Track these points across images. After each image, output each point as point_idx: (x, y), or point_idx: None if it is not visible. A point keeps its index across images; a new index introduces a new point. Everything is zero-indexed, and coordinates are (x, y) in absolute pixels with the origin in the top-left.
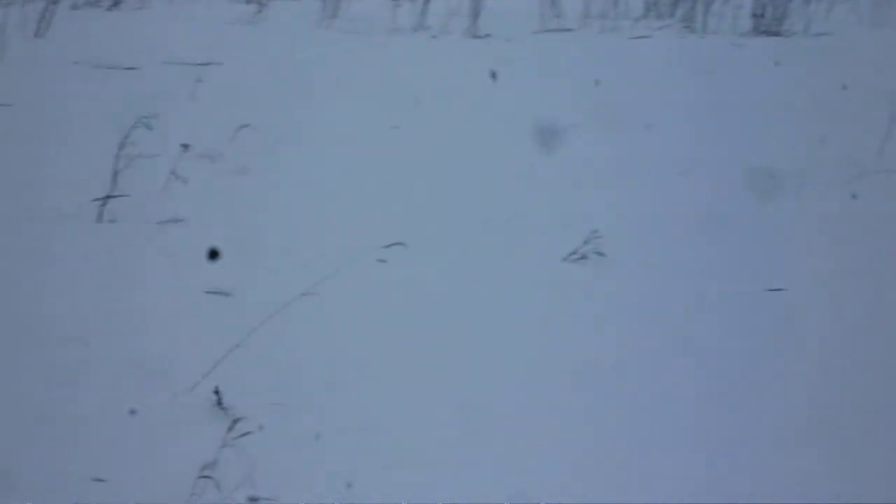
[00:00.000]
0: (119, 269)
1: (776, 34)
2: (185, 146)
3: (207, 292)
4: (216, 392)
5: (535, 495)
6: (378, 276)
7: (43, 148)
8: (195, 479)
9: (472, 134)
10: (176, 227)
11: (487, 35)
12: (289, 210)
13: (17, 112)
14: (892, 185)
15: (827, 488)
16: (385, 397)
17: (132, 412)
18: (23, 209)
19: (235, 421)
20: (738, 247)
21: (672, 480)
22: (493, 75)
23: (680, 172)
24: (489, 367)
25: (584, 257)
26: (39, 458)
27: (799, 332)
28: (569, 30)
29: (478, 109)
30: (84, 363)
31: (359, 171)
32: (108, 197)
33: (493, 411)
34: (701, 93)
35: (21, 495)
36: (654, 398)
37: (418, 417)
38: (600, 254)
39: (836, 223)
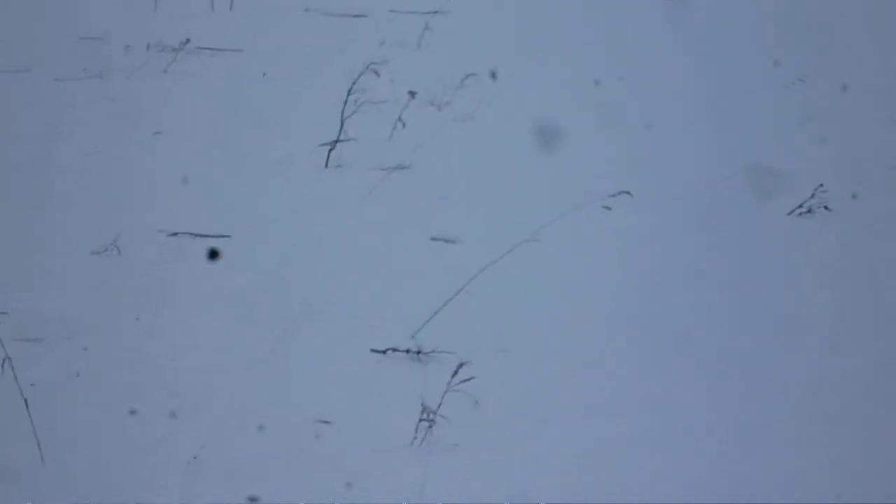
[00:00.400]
0: (345, 214)
1: None
2: (412, 93)
3: (433, 239)
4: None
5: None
6: (602, 223)
7: (273, 93)
8: (416, 422)
9: None
10: (401, 174)
11: None
12: (512, 157)
13: (248, 57)
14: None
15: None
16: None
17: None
18: (252, 153)
19: (460, 365)
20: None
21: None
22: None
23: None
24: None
25: None
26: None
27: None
28: None
29: None
30: (310, 304)
31: (584, 119)
32: (336, 142)
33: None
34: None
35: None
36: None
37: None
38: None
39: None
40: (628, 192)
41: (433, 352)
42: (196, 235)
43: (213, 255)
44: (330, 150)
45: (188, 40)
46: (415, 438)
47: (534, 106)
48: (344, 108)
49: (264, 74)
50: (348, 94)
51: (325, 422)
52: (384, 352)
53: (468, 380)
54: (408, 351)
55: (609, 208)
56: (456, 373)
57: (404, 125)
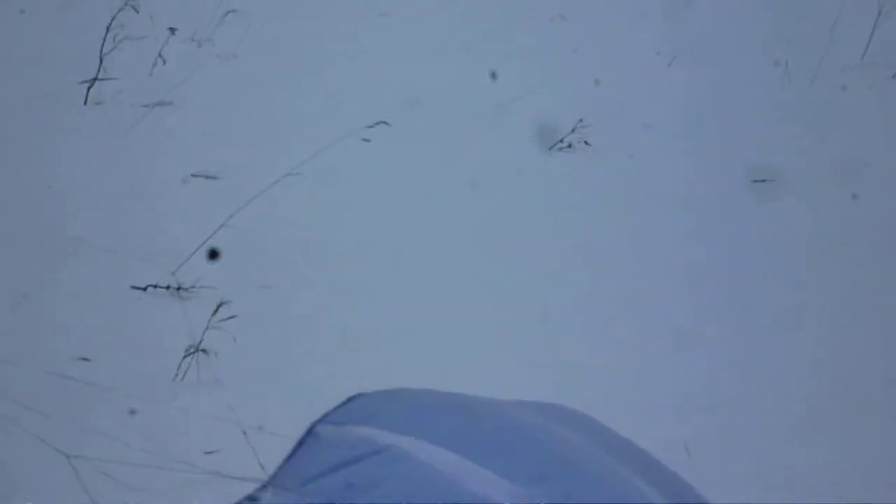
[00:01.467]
0: (106, 150)
1: None
2: (172, 30)
3: (193, 175)
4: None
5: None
6: (361, 154)
7: (29, 30)
8: (180, 359)
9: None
10: (162, 110)
11: None
12: (275, 94)
13: None
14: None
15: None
16: (376, 268)
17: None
18: (8, 90)
19: (220, 304)
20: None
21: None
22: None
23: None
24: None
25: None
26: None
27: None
28: None
29: None
30: (70, 241)
31: (346, 52)
32: (95, 79)
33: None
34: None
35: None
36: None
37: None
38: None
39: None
40: (386, 123)
41: (193, 287)
42: None
43: (213, 255)
44: (89, 88)
45: None
46: (176, 375)
47: (287, 43)
48: (103, 44)
49: (22, 11)
50: (107, 30)
51: (85, 359)
52: (144, 289)
53: (230, 318)
54: (168, 287)
55: (368, 140)
56: (216, 311)
57: (165, 62)
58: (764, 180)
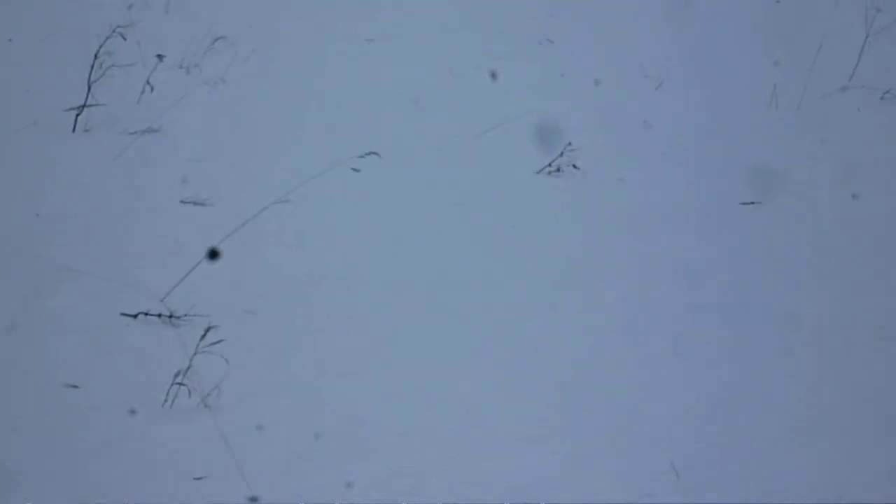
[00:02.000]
0: (95, 178)
1: None
2: (161, 57)
3: (182, 202)
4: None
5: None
6: (352, 183)
7: (18, 57)
8: (168, 385)
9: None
10: (150, 137)
11: None
12: (264, 120)
13: None
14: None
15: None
16: (363, 298)
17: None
18: None
19: (208, 329)
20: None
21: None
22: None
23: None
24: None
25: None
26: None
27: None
28: None
29: None
30: (61, 268)
31: (333, 82)
32: (84, 106)
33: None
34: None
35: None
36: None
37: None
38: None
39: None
40: (377, 153)
41: (185, 315)
42: None
43: (213, 255)
44: (77, 115)
45: None
46: (165, 401)
47: (283, 71)
48: (91, 72)
49: (10, 40)
50: (95, 57)
51: (74, 386)
52: (135, 316)
53: (217, 342)
54: (159, 315)
55: (357, 170)
56: (204, 336)
57: (153, 89)
58: (764, 180)
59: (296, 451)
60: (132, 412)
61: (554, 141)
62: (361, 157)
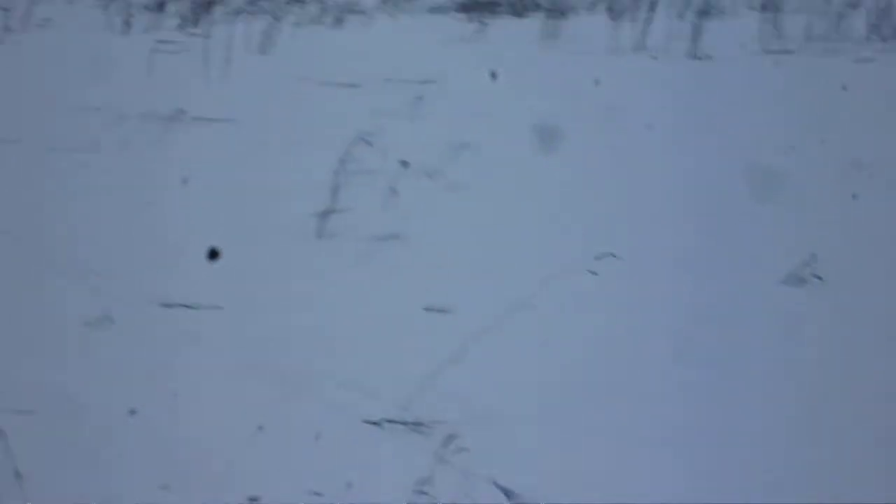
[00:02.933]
0: (338, 283)
1: None
2: (405, 163)
3: (426, 309)
4: None
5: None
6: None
7: (265, 162)
8: (410, 494)
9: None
10: (394, 243)
11: (708, 57)
12: (506, 225)
13: (241, 127)
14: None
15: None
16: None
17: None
18: (244, 223)
19: (450, 437)
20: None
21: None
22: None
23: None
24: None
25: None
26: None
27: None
28: (790, 51)
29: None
30: (303, 376)
31: (577, 184)
32: (328, 212)
33: None
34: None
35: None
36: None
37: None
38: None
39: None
40: (613, 255)
41: (428, 423)
42: (188, 307)
43: (213, 255)
44: (322, 220)
45: (182, 110)
46: None
47: (521, 175)
48: (336, 177)
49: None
50: (340, 163)
51: (318, 494)
52: (377, 423)
53: (461, 450)
54: (405, 423)
55: (595, 273)
56: (447, 444)
57: (397, 195)
58: (764, 180)
59: None
60: None
61: None
62: (598, 259)
